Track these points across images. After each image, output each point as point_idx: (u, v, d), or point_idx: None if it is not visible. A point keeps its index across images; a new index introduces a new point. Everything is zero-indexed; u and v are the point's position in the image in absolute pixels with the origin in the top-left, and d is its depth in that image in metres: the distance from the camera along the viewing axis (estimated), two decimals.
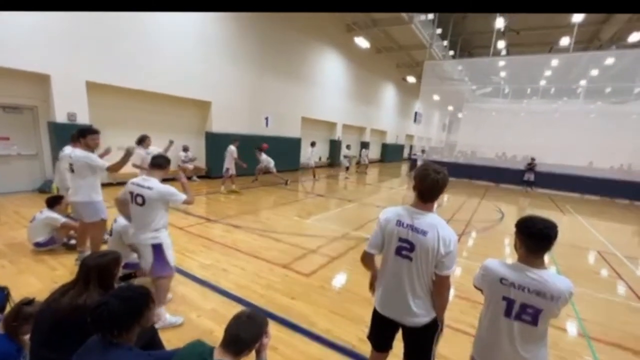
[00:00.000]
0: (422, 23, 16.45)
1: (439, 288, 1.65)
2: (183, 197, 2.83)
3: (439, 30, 18.86)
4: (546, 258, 5.27)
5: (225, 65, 10.84)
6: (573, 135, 14.20)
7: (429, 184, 1.59)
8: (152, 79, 8.70)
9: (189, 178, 10.32)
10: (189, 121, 10.79)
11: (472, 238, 6.36)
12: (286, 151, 14.32)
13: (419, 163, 11.58)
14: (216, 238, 5.22)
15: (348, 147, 15.18)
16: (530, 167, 13.96)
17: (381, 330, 1.88)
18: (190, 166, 10.21)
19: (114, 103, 8.59)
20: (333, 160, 18.53)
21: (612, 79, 14.56)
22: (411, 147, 23.31)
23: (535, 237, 1.48)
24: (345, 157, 14.93)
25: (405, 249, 1.63)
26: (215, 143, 10.88)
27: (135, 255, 3.36)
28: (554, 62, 15.12)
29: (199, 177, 10.75)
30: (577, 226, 8.11)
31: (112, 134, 7.69)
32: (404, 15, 14.31)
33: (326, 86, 16.43)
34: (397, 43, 18.73)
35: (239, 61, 11.30)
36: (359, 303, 3.42)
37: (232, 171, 8.92)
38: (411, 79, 22.48)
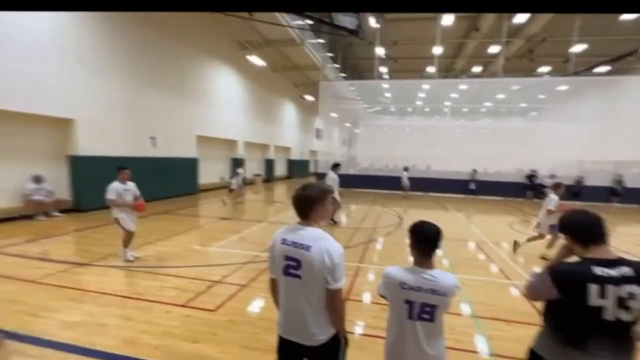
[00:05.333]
0: (314, 46, 17.86)
1: (331, 302, 1.66)
2: None
3: (330, 54, 20.83)
4: (440, 252, 6.15)
5: (93, 77, 9.32)
6: (446, 145, 17.50)
7: (295, 200, 1.71)
8: None
9: (46, 213, 8.26)
10: (43, 144, 8.71)
11: (379, 243, 6.94)
12: (181, 173, 13.08)
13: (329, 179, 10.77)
14: (89, 285, 4.24)
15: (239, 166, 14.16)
16: (472, 177, 16.51)
17: (287, 356, 1.83)
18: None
19: None
20: None
21: (467, 101, 18.73)
22: (316, 162, 24.53)
23: (424, 242, 1.70)
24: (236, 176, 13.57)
25: (292, 267, 1.64)
26: (84, 169, 9.09)
27: None
28: (425, 86, 18.50)
29: (63, 211, 8.72)
30: (457, 221, 9.82)
31: None
32: (295, 36, 15.22)
33: (223, 103, 15.95)
34: (293, 63, 19.75)
35: (112, 73, 9.90)
36: (275, 330, 3.23)
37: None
38: (309, 98, 23.98)
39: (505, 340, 3.21)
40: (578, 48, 17.34)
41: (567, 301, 1.46)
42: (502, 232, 8.56)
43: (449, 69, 25.26)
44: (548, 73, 22.87)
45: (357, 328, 3.40)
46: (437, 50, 17.06)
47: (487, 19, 16.74)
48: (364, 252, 6.14)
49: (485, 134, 18.99)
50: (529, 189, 15.78)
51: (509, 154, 16.71)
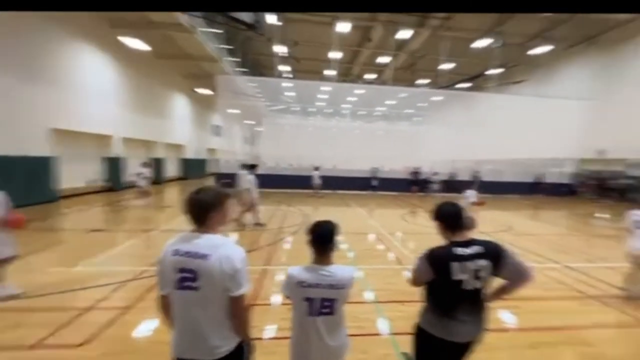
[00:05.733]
0: (209, 35, 16.78)
1: (235, 310, 1.61)
2: None
3: (229, 47, 19.95)
4: (345, 246, 6.56)
5: None
6: (347, 145, 18.88)
7: (188, 205, 1.62)
8: None
9: None
10: None
11: (287, 243, 6.96)
12: (29, 176, 10.43)
13: (245, 181, 8.44)
14: None
15: (145, 164, 12.67)
16: (373, 175, 17.76)
17: None
18: None
19: None
20: (113, 182, 15.31)
21: (363, 105, 20.71)
22: (216, 161, 23.16)
23: (320, 241, 1.81)
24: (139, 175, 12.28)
25: (188, 279, 1.54)
26: None
27: None
28: (326, 88, 19.57)
29: None
30: (359, 216, 10.67)
31: None
32: (184, 22, 13.93)
33: (91, 91, 13.44)
34: (183, 51, 18.08)
35: None
36: (168, 354, 2.85)
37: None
38: (205, 91, 22.43)
39: (402, 319, 3.61)
40: (447, 66, 21.24)
41: (439, 279, 1.80)
42: (396, 223, 9.75)
43: (347, 74, 27.49)
44: (426, 85, 27.30)
45: (265, 332, 3.32)
46: (336, 54, 18.32)
47: (378, 31, 18.84)
48: (270, 254, 6.06)
49: (379, 135, 21.36)
50: (413, 184, 18.47)
51: (399, 154, 19.23)
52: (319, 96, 20.63)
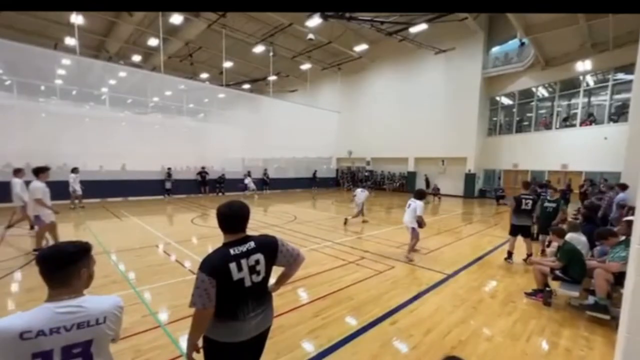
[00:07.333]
0: None
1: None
2: None
3: None
4: (122, 267, 5.41)
5: None
6: (109, 141, 15.28)
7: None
8: None
9: None
10: None
11: (14, 283, 4.93)
12: None
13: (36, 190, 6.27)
14: None
15: None
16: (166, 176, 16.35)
17: None
18: None
19: None
20: None
21: (131, 91, 17.58)
22: None
23: (48, 270, 1.39)
24: None
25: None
26: None
27: None
28: (66, 61, 15.07)
29: None
30: (136, 228, 9.21)
31: None
32: None
33: None
34: None
35: None
36: None
37: None
38: None
39: None
40: (227, 64, 21.96)
41: (221, 284, 1.76)
42: (186, 230, 9.21)
43: (100, 48, 23.11)
44: (208, 80, 27.16)
45: None
46: (77, 19, 14.68)
47: None
48: None
49: (158, 130, 18.89)
50: (202, 185, 18.02)
51: (186, 152, 17.97)
52: (58, 72, 15.41)
